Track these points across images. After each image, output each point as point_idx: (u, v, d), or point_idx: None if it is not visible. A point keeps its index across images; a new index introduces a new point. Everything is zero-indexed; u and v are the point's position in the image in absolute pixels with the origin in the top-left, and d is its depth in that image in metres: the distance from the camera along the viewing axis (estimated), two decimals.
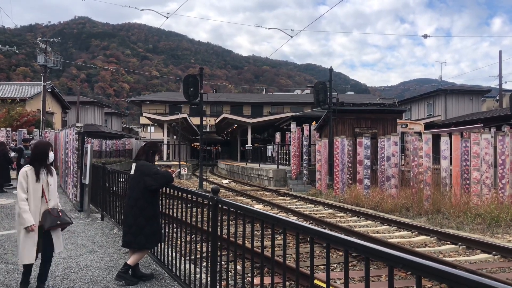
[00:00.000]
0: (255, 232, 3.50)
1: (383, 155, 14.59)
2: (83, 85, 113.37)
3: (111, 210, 8.82)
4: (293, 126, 20.88)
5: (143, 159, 5.23)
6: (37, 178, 4.42)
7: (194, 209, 4.71)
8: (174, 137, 42.72)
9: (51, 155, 4.85)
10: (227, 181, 23.96)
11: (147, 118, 37.77)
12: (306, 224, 2.82)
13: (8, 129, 19.25)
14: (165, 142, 35.35)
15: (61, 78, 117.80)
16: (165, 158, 33.80)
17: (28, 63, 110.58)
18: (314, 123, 21.55)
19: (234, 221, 7.43)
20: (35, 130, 22.27)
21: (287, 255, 3.38)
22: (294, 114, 26.17)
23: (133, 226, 5.03)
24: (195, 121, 44.83)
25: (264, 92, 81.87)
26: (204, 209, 4.29)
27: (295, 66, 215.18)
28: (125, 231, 5.25)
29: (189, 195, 4.79)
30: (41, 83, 32.10)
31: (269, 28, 32.74)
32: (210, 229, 3.98)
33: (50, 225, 4.44)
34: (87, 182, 9.55)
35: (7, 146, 15.36)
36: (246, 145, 32.96)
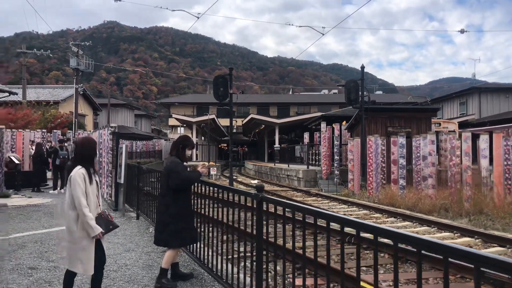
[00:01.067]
0: (296, 232, 3.34)
1: (418, 154, 14.14)
2: (113, 88, 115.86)
3: (146, 209, 8.83)
4: (323, 125, 20.59)
5: (174, 154, 5.09)
6: (91, 180, 3.97)
7: (235, 208, 4.59)
8: (203, 138, 42.99)
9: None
10: (255, 181, 23.85)
11: (176, 119, 38.14)
12: (372, 223, 2.64)
13: (43, 130, 19.72)
14: (194, 142, 35.57)
15: (91, 82, 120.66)
16: (194, 158, 34.00)
17: (60, 67, 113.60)
18: (344, 122, 21.19)
19: (276, 220, 7.26)
20: (68, 131, 22.78)
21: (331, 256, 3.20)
22: (323, 113, 25.84)
23: (159, 222, 5.03)
24: (223, 122, 45.04)
25: (290, 93, 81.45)
26: (241, 209, 4.20)
27: (321, 66, 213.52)
28: (155, 227, 5.35)
29: (230, 193, 4.69)
30: (73, 86, 32.88)
31: (299, 26, 32.05)
32: (254, 229, 3.85)
33: (106, 229, 4.11)
34: (122, 181, 9.60)
35: (43, 147, 15.70)
36: (274, 146, 32.79)
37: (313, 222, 3.19)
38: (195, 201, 5.51)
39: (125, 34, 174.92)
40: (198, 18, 16.47)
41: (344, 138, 20.63)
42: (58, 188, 14.16)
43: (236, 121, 57.63)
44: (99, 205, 4.07)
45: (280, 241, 4.82)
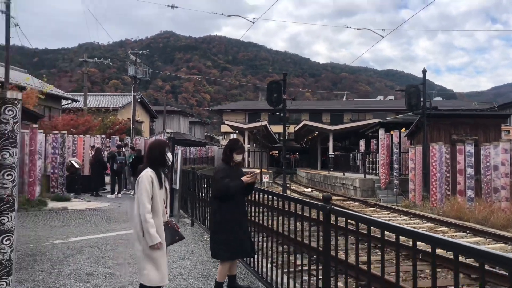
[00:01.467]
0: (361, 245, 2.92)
1: (488, 163, 13.05)
2: (168, 96, 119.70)
3: (200, 215, 8.67)
4: (381, 132, 19.72)
5: (223, 159, 4.82)
6: (160, 184, 3.68)
7: (297, 219, 4.22)
8: (254, 144, 43.00)
9: (169, 155, 3.99)
10: (309, 189, 23.30)
11: (229, 125, 38.40)
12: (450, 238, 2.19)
13: (102, 136, 20.39)
14: (245, 149, 35.61)
15: (148, 90, 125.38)
16: (246, 165, 34.01)
17: (119, 76, 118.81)
18: (403, 129, 20.19)
19: (346, 233, 6.78)
20: (126, 137, 23.47)
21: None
22: (381, 120, 24.84)
23: (211, 231, 4.86)
24: (274, 129, 44.85)
25: (344, 99, 79.93)
26: (305, 220, 3.83)
27: (375, 72, 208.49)
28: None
29: (293, 203, 4.34)
30: (131, 94, 34.04)
31: (357, 29, 31.26)
32: (320, 244, 3.46)
33: (171, 241, 3.81)
34: (177, 187, 9.53)
35: (102, 152, 16.16)
36: (328, 153, 32.02)
37: (380, 236, 2.79)
38: (251, 209, 5.22)
39: (180, 44, 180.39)
40: (253, 23, 16.34)
41: (403, 146, 19.63)
42: (116, 193, 14.45)
43: (288, 128, 57.36)
44: (166, 213, 3.82)
45: (346, 256, 4.44)
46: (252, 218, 5.23)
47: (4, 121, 4.04)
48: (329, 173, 25.59)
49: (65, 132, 13.74)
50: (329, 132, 32.71)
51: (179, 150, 9.68)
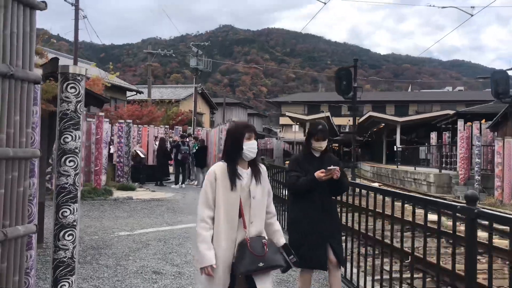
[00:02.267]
0: None
1: None
2: (226, 89, 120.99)
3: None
4: (460, 123, 17.99)
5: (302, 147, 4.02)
6: (233, 184, 2.59)
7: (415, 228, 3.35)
8: None
9: (253, 144, 2.68)
10: (376, 184, 21.97)
11: (290, 117, 37.58)
12: None
13: (166, 126, 20.40)
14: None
15: (207, 83, 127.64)
16: None
17: (180, 70, 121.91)
18: (483, 120, 18.34)
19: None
20: (189, 128, 23.44)
21: None
22: (459, 110, 22.91)
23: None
24: (336, 121, 43.41)
25: (409, 90, 76.26)
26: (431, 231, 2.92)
27: (439, 63, 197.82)
28: None
29: (418, 205, 3.47)
30: (193, 85, 34.23)
31: (443, 7, 27.44)
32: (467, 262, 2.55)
33: (247, 269, 2.50)
34: None
35: (166, 142, 16.00)
36: (395, 146, 30.26)
37: None
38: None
39: (239, 37, 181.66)
40: (325, 3, 15.35)
41: (484, 139, 17.79)
42: (180, 183, 14.19)
43: (349, 121, 55.51)
44: (245, 226, 2.55)
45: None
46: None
47: (66, 99, 3.52)
48: (397, 167, 24.02)
49: (131, 121, 13.64)
50: (397, 124, 30.89)
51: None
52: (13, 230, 2.85)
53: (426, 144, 27.08)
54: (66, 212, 3.50)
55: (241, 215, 2.57)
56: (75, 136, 3.54)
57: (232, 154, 2.67)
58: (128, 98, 31.35)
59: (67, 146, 3.48)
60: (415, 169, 20.92)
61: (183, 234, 6.94)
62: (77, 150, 3.53)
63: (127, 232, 6.95)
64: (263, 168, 2.81)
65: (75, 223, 3.53)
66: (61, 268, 3.51)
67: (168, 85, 49.92)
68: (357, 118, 41.89)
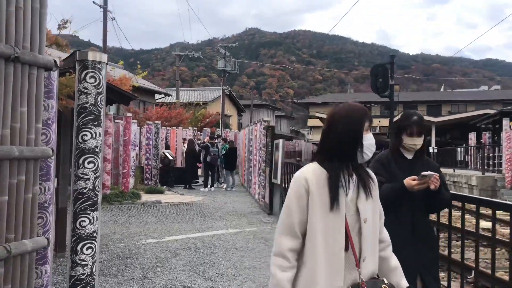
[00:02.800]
0: None
1: None
2: (253, 91, 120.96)
3: None
4: (505, 123, 16.87)
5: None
6: (335, 200, 1.62)
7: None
8: None
9: (370, 140, 1.74)
10: None
11: (320, 118, 36.78)
12: None
13: (194, 128, 20.08)
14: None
15: (233, 86, 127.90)
16: None
17: (207, 74, 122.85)
18: None
19: None
20: (217, 129, 23.08)
21: None
22: (503, 109, 21.64)
23: None
24: None
25: (442, 90, 74.02)
26: None
27: (471, 62, 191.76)
28: None
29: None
30: (220, 87, 33.98)
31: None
32: None
33: None
34: (278, 181, 8.34)
35: (195, 144, 15.60)
36: (430, 147, 29.02)
37: None
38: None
39: (265, 40, 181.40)
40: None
41: None
42: (209, 186, 13.75)
43: (380, 121, 54.12)
44: (357, 263, 1.63)
45: None
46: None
47: (85, 91, 3.03)
48: None
49: (159, 122, 13.30)
50: (431, 125, 29.65)
51: (280, 140, 8.48)
52: (18, 245, 2.36)
53: (464, 145, 25.82)
54: (84, 221, 3.01)
55: (349, 247, 1.63)
56: (95, 133, 3.04)
57: (341, 152, 1.68)
58: (156, 101, 31.38)
59: (85, 145, 2.98)
60: (454, 171, 19.81)
61: (214, 242, 6.43)
62: (97, 150, 3.03)
63: (155, 240, 6.49)
64: (372, 174, 1.79)
65: (95, 235, 3.03)
66: (79, 287, 3.03)
67: (196, 87, 49.88)
68: (378, 120, 40.14)
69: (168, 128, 18.73)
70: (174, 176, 14.25)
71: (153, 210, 9.32)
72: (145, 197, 10.94)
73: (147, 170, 12.87)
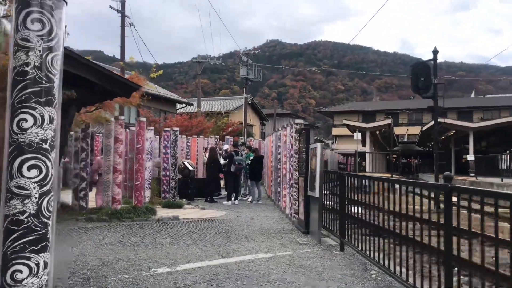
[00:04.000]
0: None
1: None
2: (274, 102, 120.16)
3: (356, 236, 5.94)
4: None
5: None
6: None
7: None
8: (373, 148, 39.06)
9: None
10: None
11: (347, 125, 35.08)
12: None
13: (216, 136, 18.89)
14: (368, 151, 31.99)
15: (255, 97, 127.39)
16: (367, 169, 30.48)
17: (229, 86, 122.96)
18: None
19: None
20: (240, 137, 21.85)
21: None
22: None
23: None
24: (396, 130, 40.29)
25: (472, 95, 71.27)
26: None
27: (497, 69, 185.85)
28: None
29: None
30: (242, 96, 32.89)
31: None
32: None
33: None
34: (316, 195, 6.94)
35: (217, 153, 14.35)
36: (467, 156, 27.02)
37: None
38: None
39: (286, 51, 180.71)
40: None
41: None
42: (232, 199, 12.42)
43: (408, 130, 51.96)
44: None
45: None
46: None
47: (25, 45, 1.79)
48: (476, 178, 21.02)
49: (178, 129, 12.08)
50: (469, 131, 27.66)
51: (318, 144, 7.10)
52: None
53: (507, 151, 23.81)
54: (20, 272, 1.71)
55: None
56: (42, 117, 1.75)
57: None
58: (178, 111, 30.49)
59: (25, 137, 1.72)
60: (502, 180, 17.95)
61: (241, 272, 5.07)
62: (46, 146, 1.74)
63: (167, 269, 5.18)
64: None
65: None
66: None
67: (218, 97, 48.98)
68: (417, 127, 38.20)
69: (188, 137, 17.60)
70: (194, 188, 12.99)
71: (168, 228, 8.03)
72: (161, 213, 9.69)
73: (164, 181, 11.65)
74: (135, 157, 9.25)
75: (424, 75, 12.90)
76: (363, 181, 5.70)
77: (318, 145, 6.98)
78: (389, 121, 29.76)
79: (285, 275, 5.03)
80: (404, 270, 4.70)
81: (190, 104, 30.14)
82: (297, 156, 8.44)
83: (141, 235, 7.31)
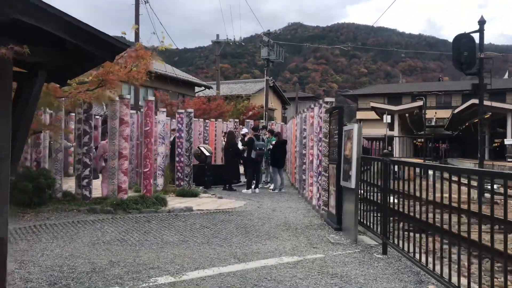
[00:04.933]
0: None
1: None
2: (296, 85, 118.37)
3: (403, 237, 4.81)
4: None
5: None
6: None
7: None
8: (401, 131, 37.38)
9: None
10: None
11: (374, 108, 33.44)
12: None
13: (235, 120, 17.82)
14: (396, 135, 30.39)
15: (276, 82, 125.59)
16: (396, 154, 28.98)
17: (249, 70, 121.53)
18: None
19: None
20: (261, 121, 20.74)
21: None
22: None
23: None
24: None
25: (506, 77, 67.96)
26: None
27: None
28: None
29: None
30: (263, 79, 31.63)
31: None
32: None
33: None
34: (351, 185, 5.80)
35: (236, 137, 13.29)
36: (505, 140, 25.26)
37: None
38: None
39: (308, 34, 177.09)
40: None
41: None
42: (253, 187, 11.37)
43: (436, 113, 49.72)
44: None
45: None
46: None
47: None
48: None
49: (192, 110, 11.02)
50: (508, 113, 25.80)
51: (355, 125, 5.93)
52: None
53: None
54: None
55: None
56: None
57: None
58: (196, 94, 29.52)
59: None
60: None
61: (262, 283, 4.03)
62: None
63: (170, 278, 4.17)
64: None
65: None
66: None
67: (238, 80, 47.76)
68: (444, 111, 36.25)
69: (206, 120, 16.61)
70: (211, 175, 11.97)
71: (179, 222, 7.04)
72: (173, 203, 8.73)
73: (178, 168, 10.67)
74: (143, 141, 8.25)
75: (467, 49, 11.44)
76: (417, 169, 4.54)
77: (355, 126, 5.82)
78: (420, 102, 28.06)
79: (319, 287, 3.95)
80: (475, 287, 3.61)
81: (209, 87, 29.10)
82: (327, 140, 7.29)
83: (146, 230, 6.34)
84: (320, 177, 7.77)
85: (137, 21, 17.97)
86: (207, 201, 9.43)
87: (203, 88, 29.54)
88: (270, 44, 30.05)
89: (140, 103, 22.07)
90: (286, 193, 11.34)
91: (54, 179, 8.23)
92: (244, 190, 11.31)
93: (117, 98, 8.06)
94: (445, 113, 45.73)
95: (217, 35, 26.38)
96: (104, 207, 7.64)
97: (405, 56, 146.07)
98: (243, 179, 13.07)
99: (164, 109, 10.94)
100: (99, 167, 8.83)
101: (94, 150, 8.74)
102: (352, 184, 5.79)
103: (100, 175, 9.15)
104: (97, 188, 8.95)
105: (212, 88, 29.09)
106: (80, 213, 7.56)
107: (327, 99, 7.65)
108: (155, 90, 22.83)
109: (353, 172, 5.78)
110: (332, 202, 6.78)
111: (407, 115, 29.40)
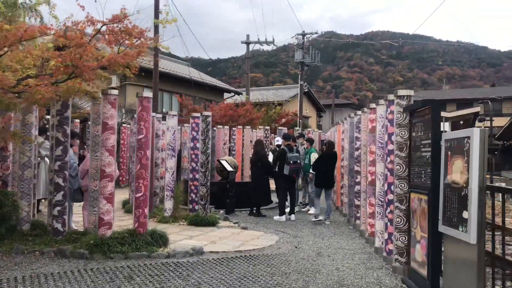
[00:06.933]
0: None
1: None
2: (329, 95, 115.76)
3: None
4: None
5: None
6: None
7: None
8: None
9: None
10: None
11: None
12: None
13: (266, 128, 15.38)
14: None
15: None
16: None
17: (282, 79, 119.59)
18: None
19: None
20: (296, 128, 18.24)
21: None
22: None
23: None
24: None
25: None
26: None
27: None
28: None
29: None
30: (297, 85, 29.24)
31: None
32: None
33: None
34: (470, 238, 3.22)
35: (265, 148, 10.86)
36: None
37: None
38: None
39: (341, 43, 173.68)
40: None
41: None
42: (287, 213, 8.85)
43: (484, 122, 45.74)
44: None
45: None
46: None
47: None
48: None
49: (209, 114, 8.64)
50: None
51: (473, 130, 3.36)
52: None
53: None
54: None
55: None
56: None
57: None
58: (226, 102, 27.45)
59: None
60: None
61: None
62: None
63: None
64: None
65: None
66: None
67: (270, 87, 45.41)
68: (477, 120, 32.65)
69: (233, 128, 14.30)
70: (234, 196, 9.52)
71: (176, 281, 4.61)
72: (179, 238, 6.35)
73: (192, 188, 8.30)
74: (136, 154, 5.92)
75: None
76: None
77: (475, 131, 3.26)
78: (477, 109, 24.84)
79: None
80: None
81: (239, 93, 26.90)
82: (404, 155, 4.73)
83: None
84: (389, 209, 5.20)
85: (156, 12, 15.95)
86: (227, 235, 6.99)
87: (232, 94, 27.39)
88: (305, 47, 27.67)
89: (164, 109, 20.08)
90: (333, 223, 8.70)
91: (17, 206, 6.03)
92: (276, 217, 8.78)
93: (100, 95, 5.80)
94: (497, 122, 41.99)
95: (247, 35, 24.15)
96: (77, 249, 5.36)
97: (443, 64, 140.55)
98: (275, 198, 10.54)
99: (175, 113, 8.62)
100: (84, 186, 6.51)
101: (75, 163, 6.51)
102: (471, 235, 3.21)
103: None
104: (78, 216, 6.69)
105: (242, 94, 26.92)
106: (42, 258, 5.29)
107: (402, 92, 5.08)
108: (177, 95, 20.80)
109: (472, 214, 3.20)
110: (419, 255, 4.20)
111: (461, 122, 26.11)
